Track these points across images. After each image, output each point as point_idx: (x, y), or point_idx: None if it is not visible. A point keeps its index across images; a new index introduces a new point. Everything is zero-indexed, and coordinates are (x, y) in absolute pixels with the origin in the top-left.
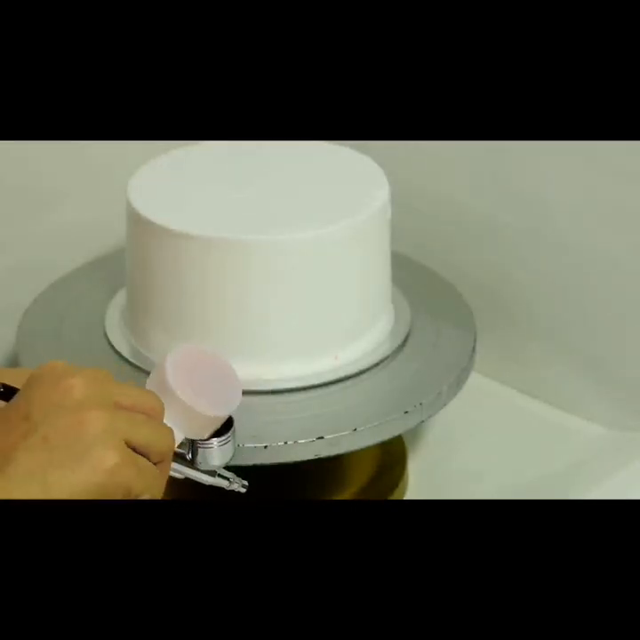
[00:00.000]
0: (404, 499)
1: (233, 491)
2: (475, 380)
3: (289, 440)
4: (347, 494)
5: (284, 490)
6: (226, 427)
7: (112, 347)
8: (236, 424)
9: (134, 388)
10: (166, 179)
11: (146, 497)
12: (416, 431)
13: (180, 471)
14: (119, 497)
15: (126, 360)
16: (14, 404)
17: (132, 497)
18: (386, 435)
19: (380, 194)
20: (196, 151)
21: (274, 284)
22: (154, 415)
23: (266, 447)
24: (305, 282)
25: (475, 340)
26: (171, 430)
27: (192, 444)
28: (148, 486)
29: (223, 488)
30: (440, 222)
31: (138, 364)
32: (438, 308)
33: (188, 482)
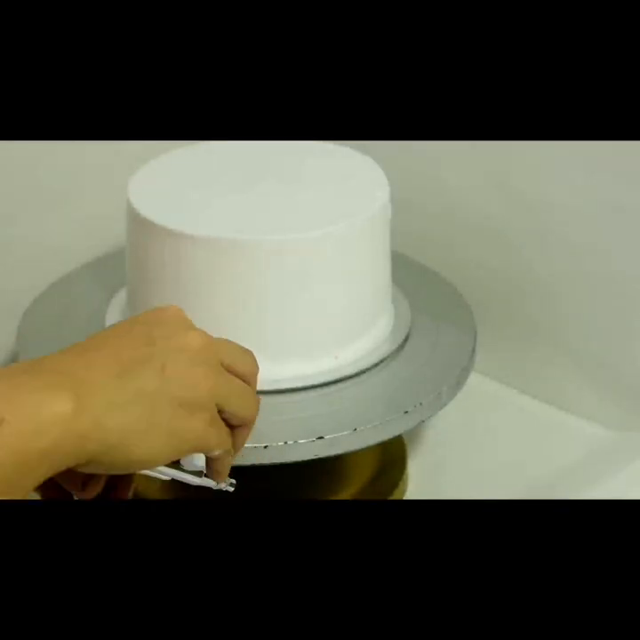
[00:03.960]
0: (404, 499)
1: (221, 490)
2: (475, 379)
3: (289, 440)
4: (347, 494)
5: (284, 490)
6: None
7: None
8: None
9: (237, 348)
10: (166, 179)
11: (217, 453)
12: (416, 431)
13: (165, 473)
14: (191, 449)
15: None
16: (137, 327)
17: (205, 451)
18: (386, 435)
19: (380, 194)
20: (197, 151)
21: (273, 284)
22: (249, 379)
23: (266, 447)
24: (305, 282)
25: (475, 340)
26: (257, 401)
27: None
28: (222, 443)
29: (211, 488)
30: (440, 222)
31: None
32: (438, 307)
33: (180, 482)
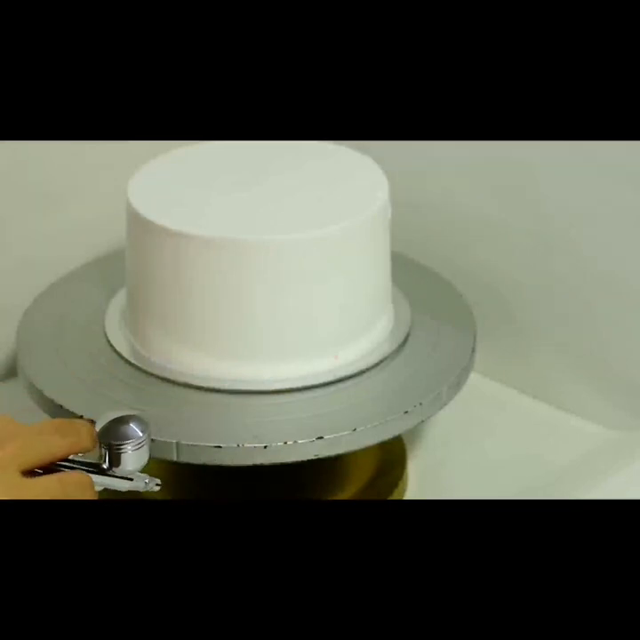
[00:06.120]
0: (404, 499)
1: (148, 490)
2: (475, 380)
3: (289, 440)
4: (347, 494)
5: (284, 490)
6: (140, 429)
7: (112, 347)
8: (151, 427)
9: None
10: (166, 179)
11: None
12: (416, 431)
13: (96, 482)
14: None
15: (126, 360)
16: None
17: None
18: (386, 435)
19: (380, 194)
20: (196, 151)
21: (273, 284)
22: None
23: (266, 447)
24: (305, 282)
25: (475, 340)
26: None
27: (108, 451)
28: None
29: (139, 490)
30: (440, 222)
31: (138, 364)
32: (438, 308)
33: (180, 482)
